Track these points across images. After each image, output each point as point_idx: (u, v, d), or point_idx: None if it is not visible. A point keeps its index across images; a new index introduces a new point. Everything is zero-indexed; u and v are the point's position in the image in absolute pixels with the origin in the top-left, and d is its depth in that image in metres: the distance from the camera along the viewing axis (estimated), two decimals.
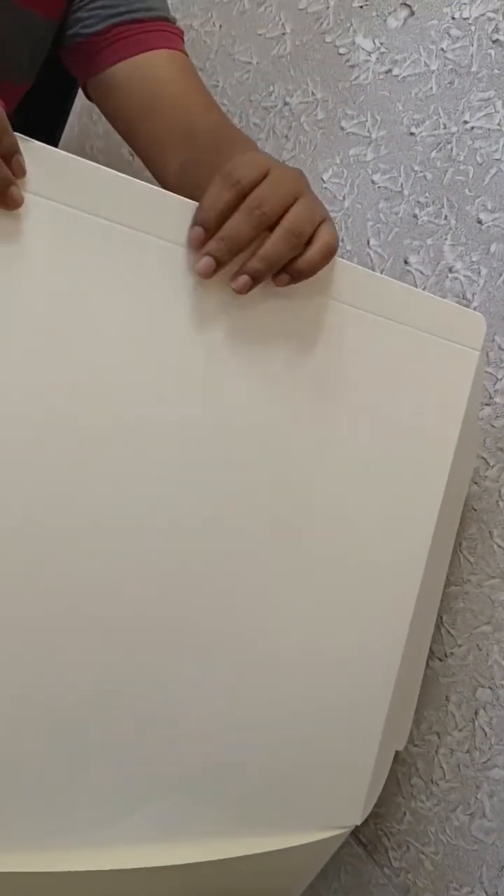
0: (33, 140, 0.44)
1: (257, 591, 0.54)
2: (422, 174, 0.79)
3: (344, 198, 0.85)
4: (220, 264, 0.48)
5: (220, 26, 0.98)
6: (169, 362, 0.49)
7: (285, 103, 0.91)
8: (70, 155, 0.45)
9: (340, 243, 0.85)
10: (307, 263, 0.49)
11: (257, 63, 0.94)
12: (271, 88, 0.92)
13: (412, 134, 0.80)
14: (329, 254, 0.50)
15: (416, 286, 0.79)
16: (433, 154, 0.78)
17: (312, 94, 0.88)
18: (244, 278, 0.48)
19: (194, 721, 0.54)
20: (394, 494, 0.56)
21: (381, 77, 0.82)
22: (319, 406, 0.53)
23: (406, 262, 0.80)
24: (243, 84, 0.95)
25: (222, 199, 0.47)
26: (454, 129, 0.76)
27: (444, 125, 0.77)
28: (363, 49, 0.83)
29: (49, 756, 0.50)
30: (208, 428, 0.50)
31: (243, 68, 0.95)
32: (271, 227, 0.48)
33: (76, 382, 0.46)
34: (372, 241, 0.83)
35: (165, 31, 0.74)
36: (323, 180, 0.87)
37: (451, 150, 0.77)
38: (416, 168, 0.79)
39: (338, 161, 0.86)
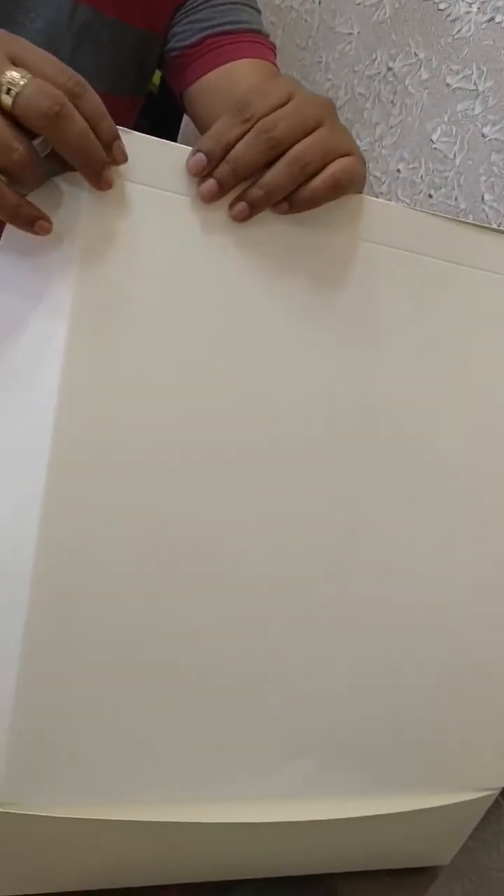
0: (130, 130, 0.46)
1: (391, 557, 0.54)
2: None
3: (454, 156, 0.84)
4: (222, 188, 0.46)
5: (320, 2, 0.98)
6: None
7: (388, 69, 0.90)
8: (166, 142, 0.47)
9: (454, 202, 0.84)
10: (308, 192, 0.46)
11: (358, 33, 0.93)
12: (374, 56, 0.92)
13: None
14: (335, 186, 0.47)
15: None
16: None
17: (415, 54, 0.87)
18: (242, 205, 0.46)
19: (340, 683, 0.56)
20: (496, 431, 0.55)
21: (484, 27, 0.80)
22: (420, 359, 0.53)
23: None
24: (346, 56, 0.95)
25: (231, 133, 0.45)
26: None
27: None
28: (464, 1, 0.81)
29: (207, 713, 0.53)
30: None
31: (345, 40, 0.95)
32: (284, 152, 0.45)
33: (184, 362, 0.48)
34: (486, 196, 0.81)
35: (255, 42, 0.75)
36: (432, 141, 0.86)
37: None
38: None
39: (446, 119, 0.84)
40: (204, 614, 0.51)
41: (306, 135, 0.46)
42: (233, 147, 0.45)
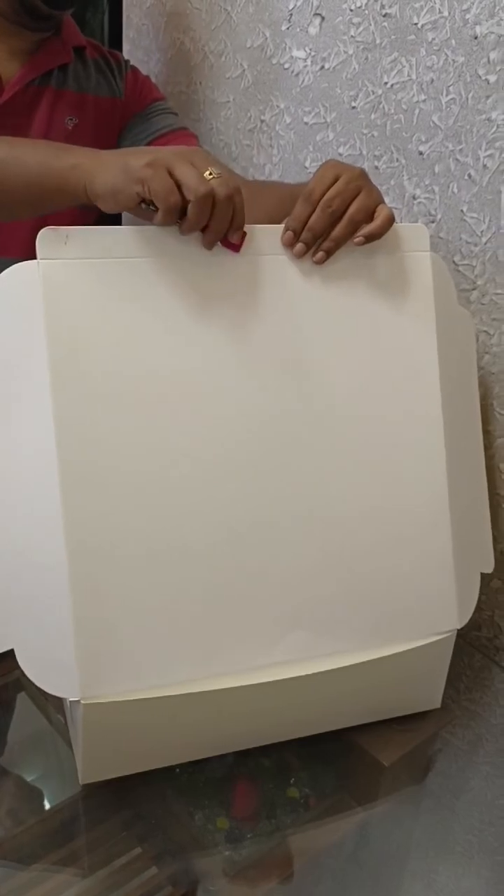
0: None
1: (331, 469, 0.74)
2: (370, 134, 0.98)
3: None
4: (308, 247, 0.68)
5: (201, 83, 1.22)
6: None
7: (261, 121, 1.13)
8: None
9: None
10: (373, 230, 0.68)
11: (234, 99, 1.17)
12: (249, 114, 1.15)
13: (353, 108, 0.99)
14: (388, 224, 0.69)
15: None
16: (372, 116, 0.97)
17: (277, 106, 1.10)
18: (321, 254, 0.68)
19: (312, 568, 0.75)
20: (397, 367, 0.75)
21: (319, 74, 1.03)
22: (333, 333, 0.73)
23: None
24: (229, 119, 1.19)
25: (305, 213, 0.67)
26: (378, 91, 0.95)
27: (372, 91, 0.96)
28: (299, 58, 1.04)
29: (221, 602, 0.72)
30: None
31: (225, 107, 1.19)
32: (342, 216, 0.67)
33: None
34: None
35: (183, 136, 1.04)
36: (306, 167, 1.08)
37: (383, 107, 0.95)
38: (364, 131, 0.99)
39: (311, 149, 1.07)
40: (212, 514, 0.71)
41: (353, 200, 0.68)
42: (307, 222, 0.67)
